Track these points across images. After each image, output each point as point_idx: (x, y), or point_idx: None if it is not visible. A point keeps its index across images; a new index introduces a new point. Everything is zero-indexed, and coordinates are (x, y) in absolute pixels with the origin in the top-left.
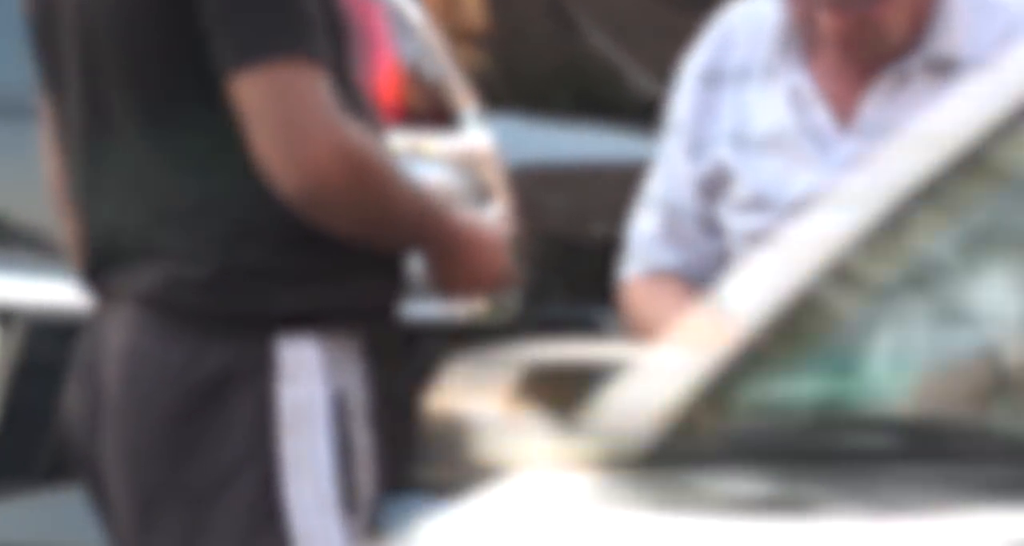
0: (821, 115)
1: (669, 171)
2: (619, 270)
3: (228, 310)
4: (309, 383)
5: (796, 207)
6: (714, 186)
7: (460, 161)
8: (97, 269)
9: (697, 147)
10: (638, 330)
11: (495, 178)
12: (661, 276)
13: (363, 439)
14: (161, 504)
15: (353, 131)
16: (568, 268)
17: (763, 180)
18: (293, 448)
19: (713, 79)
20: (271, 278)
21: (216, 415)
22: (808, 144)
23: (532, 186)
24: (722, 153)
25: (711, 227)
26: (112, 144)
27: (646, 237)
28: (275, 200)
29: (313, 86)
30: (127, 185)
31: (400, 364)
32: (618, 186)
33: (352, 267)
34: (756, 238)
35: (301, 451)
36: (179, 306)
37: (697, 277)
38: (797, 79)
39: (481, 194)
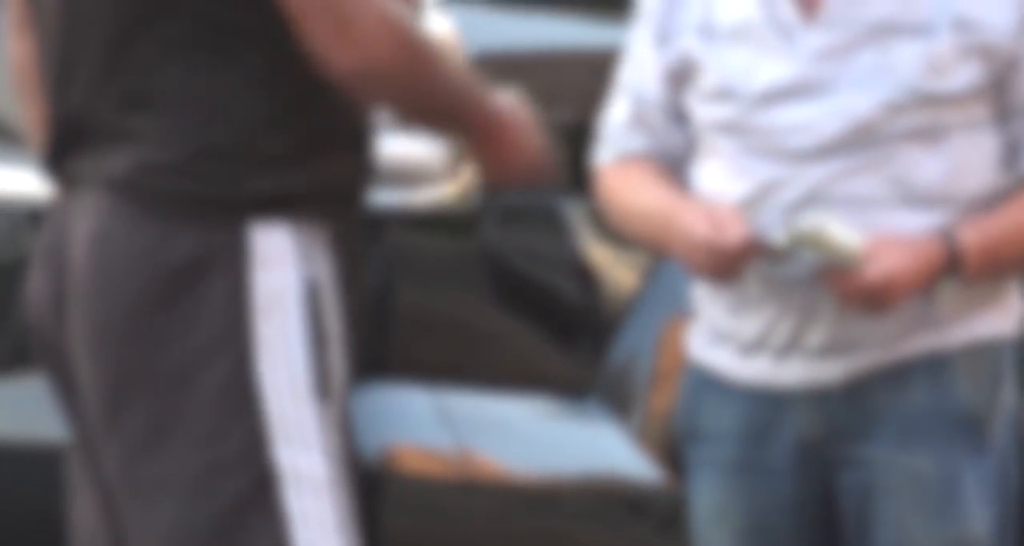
0: (787, 7)
1: (637, 60)
2: (592, 158)
3: (200, 194)
4: (282, 269)
5: (761, 98)
6: (681, 75)
7: None
8: (62, 154)
9: (664, 36)
10: (616, 212)
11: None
12: (632, 160)
13: (335, 327)
14: (132, 389)
15: (397, 8)
16: None
17: (729, 71)
18: (267, 334)
19: None
20: (244, 162)
21: (188, 300)
22: (774, 36)
23: (494, 74)
24: (689, 43)
25: (678, 116)
26: (88, 28)
27: (617, 125)
28: (250, 84)
29: None
30: (100, 69)
31: (364, 251)
32: (581, 74)
33: (323, 152)
34: (722, 128)
35: (275, 337)
36: (150, 190)
37: (666, 164)
38: None
39: None
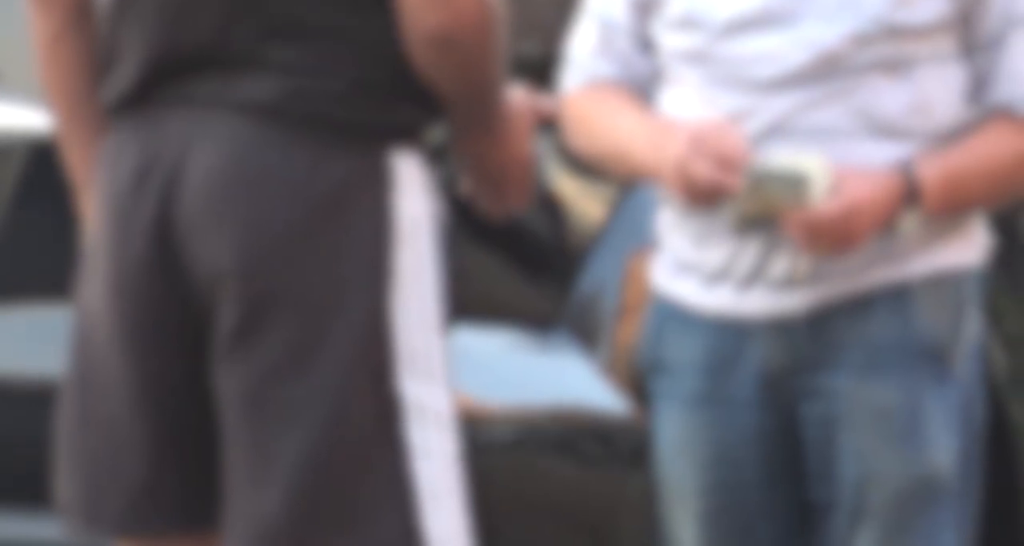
0: None
1: None
2: (560, 84)
3: (352, 121)
4: (418, 197)
5: (726, 27)
6: (648, 3)
7: None
8: (165, 78)
9: None
10: (583, 136)
11: None
12: (600, 85)
13: (445, 260)
14: (274, 314)
15: None
16: None
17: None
18: (406, 262)
19: None
20: (389, 93)
21: (337, 226)
22: None
23: None
24: None
25: (645, 44)
26: None
27: (584, 50)
28: (396, 22)
29: None
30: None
31: None
32: (548, 7)
33: (427, 90)
34: (687, 57)
35: (412, 266)
36: (303, 116)
37: (634, 91)
38: None
39: None
